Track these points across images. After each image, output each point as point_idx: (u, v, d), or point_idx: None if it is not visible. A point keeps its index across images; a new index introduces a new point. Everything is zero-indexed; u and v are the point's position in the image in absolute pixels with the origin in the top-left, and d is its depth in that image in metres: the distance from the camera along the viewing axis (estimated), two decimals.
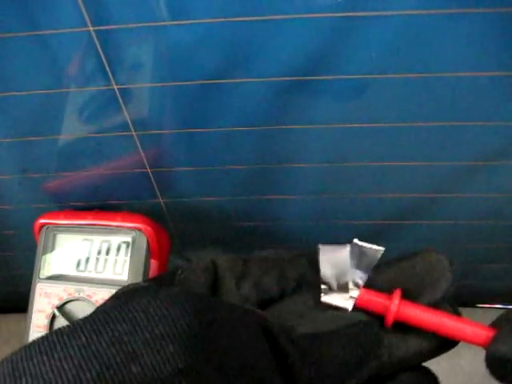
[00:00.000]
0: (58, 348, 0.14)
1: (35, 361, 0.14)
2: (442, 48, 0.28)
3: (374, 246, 0.21)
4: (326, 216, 0.43)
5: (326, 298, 0.21)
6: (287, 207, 0.42)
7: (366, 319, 0.19)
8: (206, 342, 0.15)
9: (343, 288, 0.21)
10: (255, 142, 0.35)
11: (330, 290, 0.21)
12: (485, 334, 0.20)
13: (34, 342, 0.15)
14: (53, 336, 0.15)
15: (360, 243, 0.21)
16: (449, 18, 0.26)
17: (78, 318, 0.16)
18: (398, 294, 0.20)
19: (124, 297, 0.17)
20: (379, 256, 0.21)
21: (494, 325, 0.20)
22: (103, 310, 0.16)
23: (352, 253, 0.21)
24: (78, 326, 0.15)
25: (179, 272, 0.21)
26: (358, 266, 0.21)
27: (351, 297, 0.21)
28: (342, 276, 0.21)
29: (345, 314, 0.20)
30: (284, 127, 0.34)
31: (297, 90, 0.31)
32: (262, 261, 0.21)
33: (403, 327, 0.20)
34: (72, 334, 0.15)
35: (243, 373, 0.15)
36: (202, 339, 0.15)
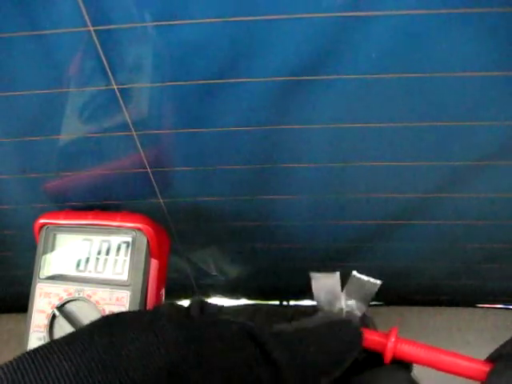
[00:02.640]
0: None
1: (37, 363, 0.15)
2: (441, 48, 0.28)
3: (372, 279, 0.22)
4: (326, 216, 0.43)
5: None
6: (287, 207, 0.42)
7: (347, 318, 0.20)
8: (193, 349, 0.16)
9: (338, 313, 0.22)
10: (255, 141, 0.35)
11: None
12: (480, 368, 0.20)
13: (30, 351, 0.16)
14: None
15: (358, 275, 0.22)
16: (449, 18, 0.26)
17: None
18: (394, 332, 0.21)
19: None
20: (377, 288, 0.22)
21: (490, 359, 0.21)
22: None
23: (350, 284, 0.22)
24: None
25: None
26: (356, 297, 0.22)
27: None
28: (335, 301, 0.22)
29: (328, 315, 0.20)
30: (284, 127, 0.34)
31: (297, 90, 0.31)
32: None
33: None
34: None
35: (231, 373, 0.16)
36: (190, 346, 0.16)
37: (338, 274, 0.23)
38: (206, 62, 0.29)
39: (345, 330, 0.19)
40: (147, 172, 0.38)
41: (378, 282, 0.22)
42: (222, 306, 0.21)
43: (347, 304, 0.22)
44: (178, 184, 0.40)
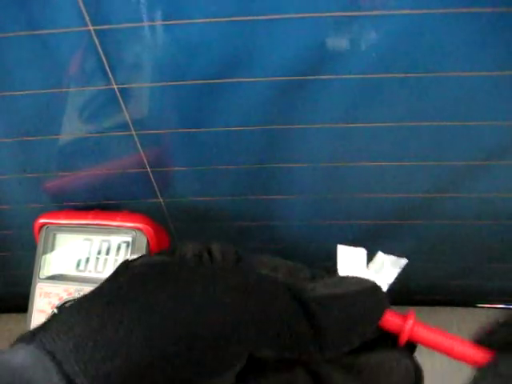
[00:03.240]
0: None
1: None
2: (441, 48, 0.28)
3: (397, 258, 0.22)
4: (325, 216, 0.43)
5: None
6: (287, 207, 0.42)
7: (373, 285, 0.20)
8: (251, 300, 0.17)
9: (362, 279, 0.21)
10: (255, 141, 0.35)
11: None
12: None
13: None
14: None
15: (383, 254, 0.22)
16: (449, 18, 0.26)
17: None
18: (412, 314, 0.21)
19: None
20: (402, 266, 0.22)
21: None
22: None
23: (375, 261, 0.22)
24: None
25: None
26: (380, 275, 0.22)
27: None
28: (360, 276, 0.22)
29: (349, 278, 0.20)
30: (284, 127, 0.34)
31: (297, 90, 0.31)
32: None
33: None
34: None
35: (281, 328, 0.17)
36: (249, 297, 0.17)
37: (364, 249, 0.23)
38: (206, 62, 0.29)
39: (373, 298, 0.19)
40: (147, 172, 0.38)
41: (404, 260, 0.22)
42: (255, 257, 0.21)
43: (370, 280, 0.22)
44: (178, 184, 0.40)
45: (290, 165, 0.37)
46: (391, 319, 0.21)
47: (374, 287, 0.20)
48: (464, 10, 0.26)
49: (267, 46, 0.28)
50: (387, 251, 0.22)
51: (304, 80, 0.30)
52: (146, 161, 0.37)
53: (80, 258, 0.39)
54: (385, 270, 0.22)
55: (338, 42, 0.28)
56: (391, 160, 0.36)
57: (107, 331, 0.14)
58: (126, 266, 0.19)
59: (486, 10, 0.25)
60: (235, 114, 0.33)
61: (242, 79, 0.30)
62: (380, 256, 0.23)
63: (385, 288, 0.22)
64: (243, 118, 0.33)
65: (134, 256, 0.20)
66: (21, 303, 0.44)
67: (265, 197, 0.41)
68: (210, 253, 0.20)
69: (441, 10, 0.26)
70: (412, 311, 0.21)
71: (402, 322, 0.21)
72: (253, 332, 0.16)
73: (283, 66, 0.29)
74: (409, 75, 0.30)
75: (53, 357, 0.14)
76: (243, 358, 0.16)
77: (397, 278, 0.22)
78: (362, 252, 0.23)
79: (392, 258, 0.23)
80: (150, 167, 0.38)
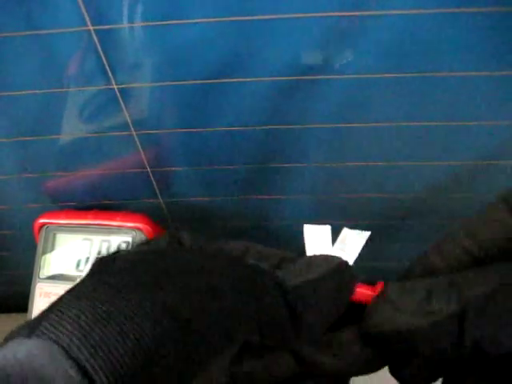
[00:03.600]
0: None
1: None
2: (441, 48, 0.28)
3: (360, 231, 0.23)
4: (325, 216, 0.43)
5: None
6: (287, 207, 0.42)
7: (340, 261, 0.20)
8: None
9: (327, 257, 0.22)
10: (255, 141, 0.35)
11: None
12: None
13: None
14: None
15: (348, 229, 0.23)
16: (448, 18, 0.26)
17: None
18: (381, 285, 0.21)
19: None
20: (365, 240, 0.22)
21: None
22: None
23: (340, 237, 0.23)
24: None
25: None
26: (345, 250, 0.22)
27: None
28: (326, 252, 0.22)
29: (316, 259, 0.20)
30: (284, 127, 0.34)
31: (296, 90, 0.31)
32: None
33: None
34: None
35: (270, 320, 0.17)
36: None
37: (329, 226, 0.24)
38: (206, 62, 0.29)
39: (343, 275, 0.20)
40: (147, 172, 0.38)
41: (367, 233, 0.23)
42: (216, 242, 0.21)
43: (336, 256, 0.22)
44: (177, 184, 0.40)
45: (290, 165, 0.37)
46: (361, 291, 0.22)
47: (343, 264, 0.20)
48: (464, 10, 0.26)
49: (267, 46, 0.28)
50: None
51: (303, 80, 0.30)
52: (145, 161, 0.37)
53: (80, 257, 0.39)
54: (350, 244, 0.22)
55: (338, 42, 0.28)
56: (391, 160, 0.36)
57: (114, 316, 0.15)
58: (110, 259, 0.19)
59: (485, 9, 0.25)
60: (235, 114, 0.33)
61: (241, 79, 0.30)
62: (344, 231, 0.23)
63: (351, 261, 0.22)
64: (243, 118, 0.33)
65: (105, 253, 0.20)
66: (21, 303, 0.44)
67: (265, 197, 0.41)
68: (180, 242, 0.20)
69: (440, 10, 0.26)
70: (381, 282, 0.22)
71: (373, 292, 0.21)
72: (238, 319, 0.17)
73: (283, 66, 0.29)
74: (408, 75, 0.30)
75: (60, 345, 0.14)
76: (237, 343, 0.17)
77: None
78: (326, 229, 0.23)
79: (355, 231, 0.23)
80: (150, 167, 0.38)
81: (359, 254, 0.23)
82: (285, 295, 0.18)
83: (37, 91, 0.31)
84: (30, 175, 0.39)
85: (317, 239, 0.23)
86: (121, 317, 0.15)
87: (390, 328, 0.18)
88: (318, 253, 0.21)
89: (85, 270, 0.39)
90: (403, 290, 0.19)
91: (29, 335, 0.14)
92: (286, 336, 0.18)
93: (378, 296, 0.19)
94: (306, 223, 0.25)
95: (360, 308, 0.20)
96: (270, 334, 0.17)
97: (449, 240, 0.19)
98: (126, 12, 0.27)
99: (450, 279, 0.18)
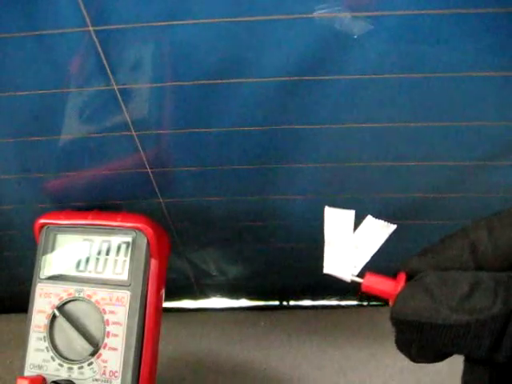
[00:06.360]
0: None
1: None
2: (441, 48, 0.28)
3: (386, 223, 0.21)
4: None
5: (328, 270, 0.21)
6: (287, 207, 0.42)
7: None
8: None
9: (347, 253, 0.21)
10: (255, 141, 0.35)
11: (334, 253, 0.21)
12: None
13: None
14: None
15: (373, 218, 0.21)
16: (449, 18, 0.26)
17: None
18: (402, 278, 0.20)
19: None
20: (390, 232, 0.21)
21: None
22: None
23: (364, 225, 0.22)
24: None
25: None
26: (367, 239, 0.21)
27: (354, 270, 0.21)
28: (346, 239, 0.21)
29: None
30: (284, 127, 0.34)
31: (297, 90, 0.31)
32: None
33: None
34: None
35: None
36: None
37: (353, 211, 0.22)
38: (206, 62, 0.29)
39: None
40: (147, 172, 0.38)
41: (393, 226, 0.21)
42: None
43: (357, 244, 0.21)
44: (178, 184, 0.40)
45: (290, 165, 0.37)
46: (381, 283, 0.21)
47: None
48: (464, 11, 0.26)
49: (267, 46, 0.28)
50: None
51: (304, 80, 0.30)
52: (145, 161, 0.37)
53: (80, 258, 0.39)
54: (373, 234, 0.21)
55: (338, 43, 0.28)
56: (391, 160, 0.36)
57: None
58: None
59: (486, 10, 0.25)
60: (235, 114, 0.33)
61: (241, 79, 0.30)
62: (369, 219, 0.22)
63: (373, 252, 0.21)
64: (243, 118, 0.33)
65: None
66: (21, 303, 0.44)
67: (265, 197, 0.41)
68: None
69: (441, 11, 0.26)
70: (402, 274, 0.20)
71: (394, 286, 0.20)
72: None
73: (283, 66, 0.29)
74: (408, 75, 0.30)
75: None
76: None
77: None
78: (350, 214, 0.22)
79: (381, 222, 0.22)
80: (150, 167, 0.38)
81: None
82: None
83: (37, 91, 0.31)
84: (31, 175, 0.39)
85: (338, 223, 0.22)
86: None
87: (427, 318, 0.17)
88: (336, 237, 0.21)
89: (85, 270, 0.39)
90: (443, 281, 0.18)
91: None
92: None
93: (413, 283, 0.19)
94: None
95: None
96: None
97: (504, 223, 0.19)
98: (125, 12, 0.27)
99: (496, 277, 0.17)
